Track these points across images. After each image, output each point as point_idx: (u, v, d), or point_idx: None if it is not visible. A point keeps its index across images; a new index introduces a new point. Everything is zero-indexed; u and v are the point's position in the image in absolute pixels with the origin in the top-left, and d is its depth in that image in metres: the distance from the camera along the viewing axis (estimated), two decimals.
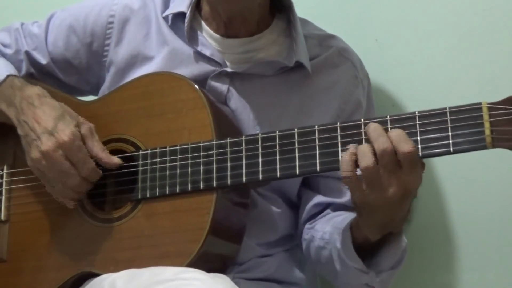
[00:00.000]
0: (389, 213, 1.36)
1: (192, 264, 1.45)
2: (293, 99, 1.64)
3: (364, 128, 1.37)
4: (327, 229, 1.58)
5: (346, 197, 1.64)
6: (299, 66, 1.64)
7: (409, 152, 1.30)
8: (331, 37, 1.73)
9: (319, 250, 1.60)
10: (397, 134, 1.32)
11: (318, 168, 1.41)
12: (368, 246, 1.45)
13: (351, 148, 1.35)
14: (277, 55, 1.66)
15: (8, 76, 1.65)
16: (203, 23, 1.68)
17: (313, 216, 1.67)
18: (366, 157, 1.32)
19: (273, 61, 1.64)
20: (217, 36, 1.66)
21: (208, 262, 1.47)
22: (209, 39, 1.66)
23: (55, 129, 1.53)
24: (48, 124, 1.54)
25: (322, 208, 1.67)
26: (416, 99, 1.82)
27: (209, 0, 1.65)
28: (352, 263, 1.46)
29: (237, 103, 1.63)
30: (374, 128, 1.34)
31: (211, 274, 1.41)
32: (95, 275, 1.53)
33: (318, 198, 1.66)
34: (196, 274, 1.40)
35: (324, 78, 1.67)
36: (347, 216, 1.54)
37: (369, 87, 1.73)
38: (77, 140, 1.53)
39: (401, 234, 1.45)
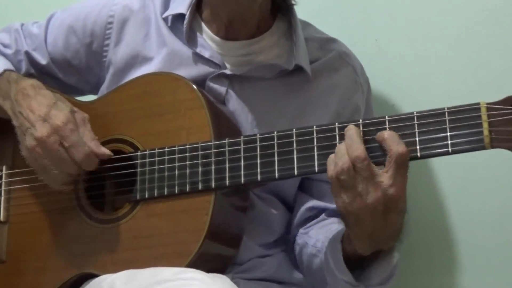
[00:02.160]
0: (375, 225, 1.33)
1: (191, 265, 1.45)
2: (292, 102, 1.64)
3: (361, 128, 1.37)
4: (320, 237, 1.57)
5: None
6: (299, 69, 1.63)
7: (403, 152, 1.30)
8: (333, 40, 1.73)
9: (311, 258, 1.59)
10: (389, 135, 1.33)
11: (316, 168, 1.41)
12: (358, 259, 1.44)
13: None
14: (277, 58, 1.65)
15: (5, 70, 1.66)
16: (203, 25, 1.68)
17: (306, 220, 1.66)
18: (341, 158, 1.32)
19: (272, 64, 1.63)
20: (217, 38, 1.66)
21: (207, 263, 1.47)
22: (209, 41, 1.66)
23: (48, 115, 1.53)
24: (41, 111, 1.54)
25: (316, 213, 1.66)
26: (416, 99, 1.82)
27: (210, 2, 1.65)
28: (341, 276, 1.44)
29: (235, 105, 1.62)
30: (349, 135, 1.34)
31: (211, 275, 1.41)
32: (94, 275, 1.53)
33: (312, 202, 1.66)
34: (195, 274, 1.40)
35: (324, 81, 1.66)
36: (341, 226, 1.52)
37: (369, 92, 1.73)
38: (70, 124, 1.52)
39: (392, 251, 1.43)
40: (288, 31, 1.68)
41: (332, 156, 1.35)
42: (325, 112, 1.64)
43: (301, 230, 1.65)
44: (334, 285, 1.48)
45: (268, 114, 1.63)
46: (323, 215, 1.65)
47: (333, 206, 1.59)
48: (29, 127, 1.54)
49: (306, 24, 1.73)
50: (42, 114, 1.54)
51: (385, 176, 1.30)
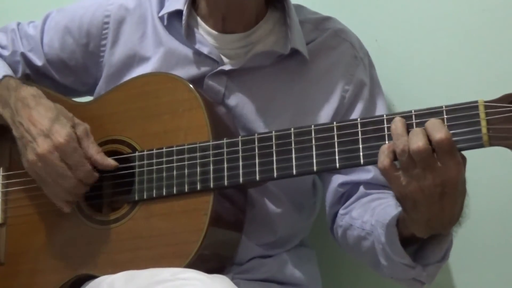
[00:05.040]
0: (432, 209, 1.31)
1: (190, 265, 1.45)
2: (294, 86, 1.64)
3: (359, 127, 1.37)
4: (367, 218, 1.55)
5: (372, 174, 1.62)
6: (296, 53, 1.63)
7: (441, 139, 1.27)
8: (327, 19, 1.73)
9: (359, 240, 1.57)
10: (430, 123, 1.30)
11: (315, 168, 1.41)
12: (413, 240, 1.42)
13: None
14: (274, 46, 1.65)
15: (4, 76, 1.65)
16: (199, 20, 1.67)
17: (341, 198, 1.65)
18: (400, 139, 1.30)
19: (268, 51, 1.63)
20: (214, 32, 1.65)
21: (206, 263, 1.48)
22: (206, 36, 1.65)
23: (50, 130, 1.53)
24: (43, 125, 1.54)
25: (349, 188, 1.64)
26: (416, 99, 1.81)
27: None
28: (398, 259, 1.43)
29: (237, 98, 1.62)
30: (414, 132, 1.31)
31: (210, 275, 1.41)
32: (93, 277, 1.53)
33: (342, 178, 1.64)
34: (194, 274, 1.40)
35: (322, 61, 1.66)
36: (386, 206, 1.51)
37: (371, 65, 1.72)
38: (72, 142, 1.53)
39: (449, 234, 1.41)
40: (282, 17, 1.67)
41: (384, 146, 1.33)
42: (331, 91, 1.64)
43: (341, 211, 1.64)
44: (391, 268, 1.47)
45: (272, 101, 1.63)
46: (361, 190, 1.63)
47: (365, 178, 1.62)
48: (31, 141, 1.54)
49: (299, 7, 1.73)
50: (44, 129, 1.54)
51: (439, 162, 1.28)
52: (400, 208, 1.38)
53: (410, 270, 1.43)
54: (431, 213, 1.32)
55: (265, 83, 1.63)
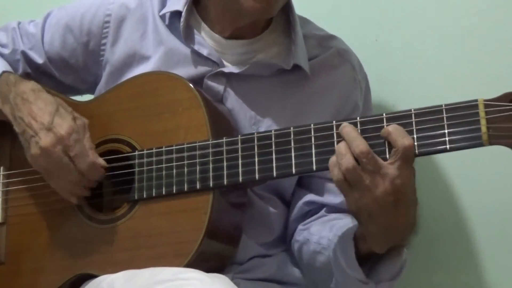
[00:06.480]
0: (387, 219, 1.33)
1: (190, 264, 1.45)
2: (291, 99, 1.64)
3: (358, 126, 1.37)
4: (324, 234, 1.56)
5: (340, 199, 1.60)
6: (297, 67, 1.63)
7: (410, 146, 1.29)
8: (332, 37, 1.72)
9: (314, 255, 1.58)
10: (395, 128, 1.31)
11: (314, 167, 1.41)
12: (368, 256, 1.43)
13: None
14: (276, 57, 1.65)
15: (3, 72, 1.66)
16: (202, 22, 1.67)
17: (304, 215, 1.66)
18: (344, 158, 1.32)
19: (270, 63, 1.63)
20: (217, 36, 1.65)
21: (206, 262, 1.48)
22: (207, 39, 1.65)
23: (52, 123, 1.53)
24: (44, 119, 1.54)
25: (315, 207, 1.65)
26: (416, 99, 1.82)
27: (236, 9, 1.57)
28: (352, 273, 1.43)
29: (233, 103, 1.62)
30: (347, 132, 1.34)
31: (210, 274, 1.41)
32: (93, 276, 1.53)
33: (310, 197, 1.65)
34: (195, 274, 1.40)
35: (323, 78, 1.66)
36: (346, 223, 1.52)
37: (367, 90, 1.72)
38: (74, 133, 1.53)
39: (404, 246, 1.42)
40: (286, 28, 1.67)
41: (333, 159, 1.34)
42: (325, 109, 1.64)
43: (300, 227, 1.65)
44: (344, 282, 1.48)
45: (267, 111, 1.62)
46: (322, 211, 1.64)
47: (333, 201, 1.62)
48: (33, 135, 1.54)
49: (305, 21, 1.72)
50: (46, 122, 1.54)
51: (391, 167, 1.30)
52: (356, 223, 1.40)
53: (363, 286, 1.43)
54: (387, 223, 1.33)
55: (262, 93, 1.63)
